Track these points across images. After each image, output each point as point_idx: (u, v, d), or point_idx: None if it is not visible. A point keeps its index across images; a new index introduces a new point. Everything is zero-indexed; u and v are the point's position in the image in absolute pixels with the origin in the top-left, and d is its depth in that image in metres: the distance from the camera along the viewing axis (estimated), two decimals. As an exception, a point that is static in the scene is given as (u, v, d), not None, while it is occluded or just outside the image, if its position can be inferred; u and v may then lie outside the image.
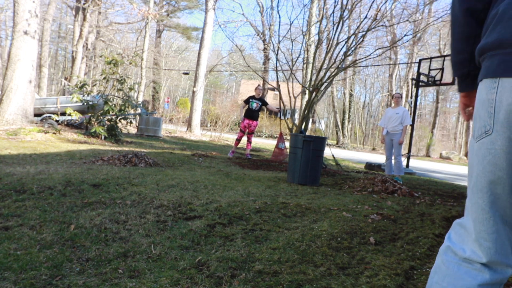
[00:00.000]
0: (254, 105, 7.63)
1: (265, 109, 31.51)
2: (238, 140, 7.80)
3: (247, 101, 7.71)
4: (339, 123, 30.43)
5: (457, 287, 0.86)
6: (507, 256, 0.85)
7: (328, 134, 39.16)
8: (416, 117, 10.66)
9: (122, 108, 8.74)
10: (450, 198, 4.53)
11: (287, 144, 6.42)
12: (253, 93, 7.94)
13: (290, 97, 8.42)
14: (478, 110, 0.86)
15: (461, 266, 0.88)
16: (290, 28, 8.46)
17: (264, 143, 16.01)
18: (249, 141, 7.97)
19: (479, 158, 0.85)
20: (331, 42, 8.00)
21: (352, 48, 8.11)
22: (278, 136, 8.02)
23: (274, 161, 7.54)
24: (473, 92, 1.01)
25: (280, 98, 8.85)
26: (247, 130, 7.82)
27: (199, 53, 16.95)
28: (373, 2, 7.68)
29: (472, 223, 0.87)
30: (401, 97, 6.53)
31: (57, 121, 10.18)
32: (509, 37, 0.78)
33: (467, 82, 1.01)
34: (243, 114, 7.72)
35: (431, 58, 10.39)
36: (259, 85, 7.45)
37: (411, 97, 11.61)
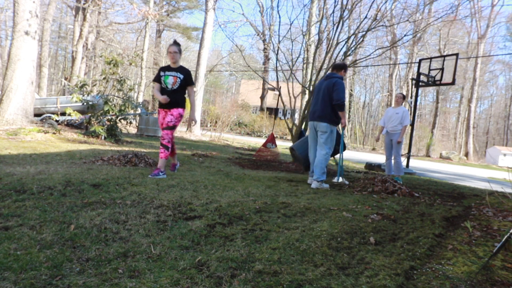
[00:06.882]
0: (170, 80, 4.19)
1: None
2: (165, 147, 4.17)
3: (157, 78, 4.26)
4: (339, 123, 30.36)
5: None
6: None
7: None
8: (416, 117, 10.65)
9: (122, 108, 8.74)
10: (450, 198, 4.53)
11: (283, 143, 6.44)
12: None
13: (290, 97, 8.42)
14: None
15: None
16: (290, 28, 8.47)
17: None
18: (165, 147, 4.15)
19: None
20: (331, 42, 8.00)
21: (352, 48, 8.11)
22: (270, 135, 7.99)
23: (258, 158, 7.52)
24: None
25: (280, 97, 8.85)
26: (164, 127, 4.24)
27: (199, 53, 16.96)
28: (373, 2, 7.68)
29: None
30: (403, 97, 6.48)
31: (57, 121, 10.18)
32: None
33: None
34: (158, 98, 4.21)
35: (431, 58, 10.39)
36: (174, 41, 4.31)
37: (411, 97, 11.60)
